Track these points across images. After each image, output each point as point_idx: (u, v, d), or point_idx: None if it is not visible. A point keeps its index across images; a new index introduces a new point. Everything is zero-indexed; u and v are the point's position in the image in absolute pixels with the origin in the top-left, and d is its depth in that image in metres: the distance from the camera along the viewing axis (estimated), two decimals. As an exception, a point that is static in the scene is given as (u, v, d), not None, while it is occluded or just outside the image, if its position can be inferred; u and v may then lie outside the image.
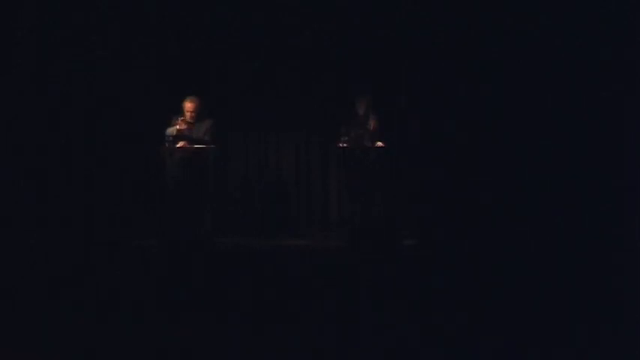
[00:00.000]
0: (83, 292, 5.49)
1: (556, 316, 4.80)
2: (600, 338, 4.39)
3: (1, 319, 4.77)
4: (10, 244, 6.79)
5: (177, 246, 7.41)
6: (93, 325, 4.66)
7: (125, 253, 7.19)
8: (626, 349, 4.24)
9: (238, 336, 4.52)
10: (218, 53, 8.55)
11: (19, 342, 4.34)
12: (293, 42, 8.59)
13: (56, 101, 7.91)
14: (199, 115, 7.61)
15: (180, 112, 7.59)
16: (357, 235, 7.66)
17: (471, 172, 7.92)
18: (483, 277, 5.84)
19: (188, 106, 7.56)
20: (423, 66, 8.26)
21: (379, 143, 7.70)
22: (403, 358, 4.23)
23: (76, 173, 7.91)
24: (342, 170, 7.85)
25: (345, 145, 7.66)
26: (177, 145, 7.52)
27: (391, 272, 6.36)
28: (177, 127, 7.43)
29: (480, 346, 4.29)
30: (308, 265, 6.81)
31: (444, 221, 7.90)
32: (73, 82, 7.99)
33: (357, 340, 4.42)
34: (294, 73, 8.65)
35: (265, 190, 8.75)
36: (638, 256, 6.09)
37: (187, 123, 7.53)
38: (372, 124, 7.80)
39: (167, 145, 7.48)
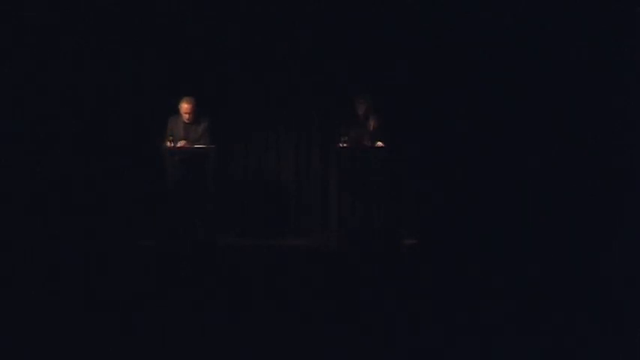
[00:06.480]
0: (83, 292, 5.48)
1: (557, 317, 4.79)
2: (601, 339, 4.39)
3: (1, 319, 4.77)
4: (10, 244, 6.79)
5: (178, 246, 7.42)
6: (93, 325, 4.66)
7: (125, 253, 7.19)
8: (628, 349, 4.24)
9: (238, 336, 4.51)
10: (218, 53, 8.54)
11: (19, 342, 4.34)
12: (293, 42, 8.59)
13: (57, 101, 7.92)
14: (197, 115, 7.64)
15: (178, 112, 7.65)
16: (357, 235, 7.66)
17: (471, 172, 7.93)
18: (484, 277, 5.84)
19: (185, 107, 7.58)
20: (423, 66, 8.27)
21: (379, 143, 7.70)
22: (403, 357, 4.23)
23: (76, 173, 7.92)
24: (342, 170, 7.84)
25: (345, 145, 7.66)
26: (178, 145, 7.54)
27: (391, 272, 6.36)
28: (168, 143, 7.46)
29: (480, 346, 4.29)
30: (308, 265, 6.82)
31: (444, 221, 7.90)
32: (73, 81, 8.00)
33: (356, 340, 4.42)
34: (294, 73, 8.65)
35: (265, 190, 8.74)
36: (638, 257, 6.09)
37: (185, 124, 7.58)
38: (372, 124, 7.80)
39: (169, 144, 7.49)
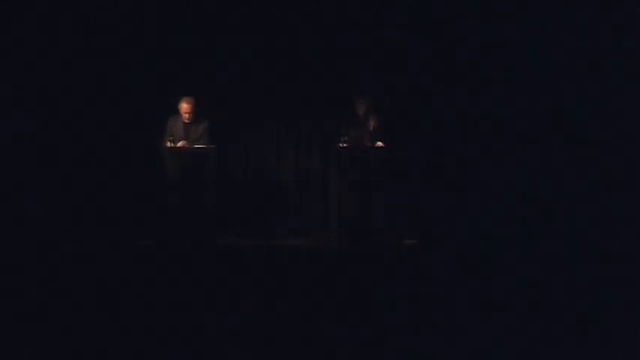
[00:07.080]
0: (83, 291, 5.48)
1: (557, 316, 4.79)
2: (601, 339, 4.39)
3: (1, 319, 4.77)
4: (11, 244, 6.79)
5: (178, 246, 7.41)
6: (93, 325, 4.66)
7: (125, 253, 7.19)
8: (628, 349, 4.24)
9: (238, 336, 4.51)
10: (218, 53, 8.54)
11: (19, 342, 4.34)
12: (293, 42, 8.59)
13: (57, 101, 7.91)
14: (196, 115, 7.64)
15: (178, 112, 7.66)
16: (357, 235, 7.66)
17: (471, 172, 7.93)
18: (484, 277, 5.84)
19: (184, 107, 7.59)
20: (423, 66, 8.27)
21: (379, 143, 7.70)
22: (402, 357, 4.23)
23: (77, 173, 7.91)
24: (342, 170, 7.84)
25: (345, 145, 7.66)
26: (177, 145, 7.55)
27: (391, 272, 6.36)
28: (168, 144, 7.47)
29: (479, 346, 4.29)
30: (308, 265, 6.81)
31: (444, 221, 7.90)
32: (73, 81, 7.99)
33: (356, 340, 4.42)
34: (295, 73, 8.65)
35: (265, 190, 8.74)
36: (638, 257, 6.09)
37: (185, 124, 7.57)
38: (371, 124, 7.80)
39: (169, 144, 7.50)
